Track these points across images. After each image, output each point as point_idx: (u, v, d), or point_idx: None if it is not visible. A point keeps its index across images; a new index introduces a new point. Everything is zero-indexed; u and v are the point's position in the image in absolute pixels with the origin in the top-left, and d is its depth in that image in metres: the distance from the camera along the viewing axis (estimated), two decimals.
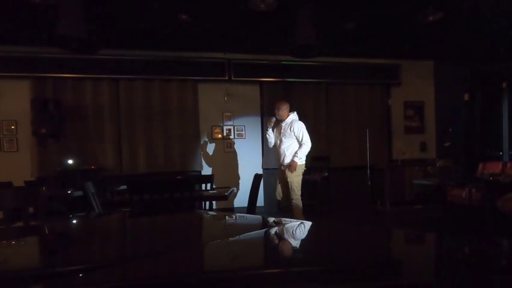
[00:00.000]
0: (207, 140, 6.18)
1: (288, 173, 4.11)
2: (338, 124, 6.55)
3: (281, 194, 4.39)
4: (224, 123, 6.22)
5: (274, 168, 6.17)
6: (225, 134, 6.22)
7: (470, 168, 5.99)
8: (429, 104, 6.97)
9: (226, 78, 6.07)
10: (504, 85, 6.46)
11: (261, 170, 6.24)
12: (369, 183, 6.25)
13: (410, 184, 5.97)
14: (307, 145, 4.09)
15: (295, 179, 4.10)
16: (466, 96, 6.80)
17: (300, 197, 4.15)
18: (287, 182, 4.14)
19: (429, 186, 5.47)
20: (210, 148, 6.17)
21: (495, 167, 5.04)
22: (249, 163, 6.23)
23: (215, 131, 6.20)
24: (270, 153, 6.24)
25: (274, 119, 4.29)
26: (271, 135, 4.36)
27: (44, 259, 0.99)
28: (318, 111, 6.44)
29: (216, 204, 4.22)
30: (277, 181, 4.51)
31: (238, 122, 6.26)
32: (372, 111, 6.68)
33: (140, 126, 5.83)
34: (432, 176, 5.94)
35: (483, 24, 5.12)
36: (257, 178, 3.92)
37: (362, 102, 6.65)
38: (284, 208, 4.38)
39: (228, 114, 6.21)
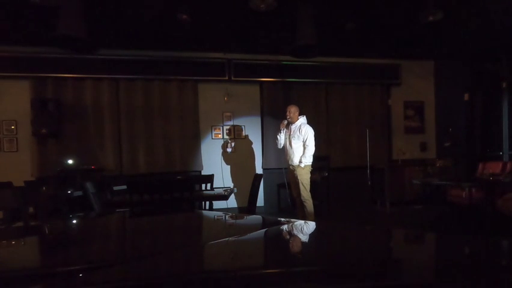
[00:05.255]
0: (207, 140, 6.18)
1: (297, 171, 4.39)
2: (338, 124, 6.55)
3: (293, 191, 4.62)
4: (224, 123, 6.22)
5: (274, 168, 6.19)
6: (225, 134, 6.22)
7: (470, 168, 5.99)
8: (429, 104, 6.98)
9: (226, 78, 6.07)
10: (504, 85, 6.45)
11: (261, 170, 6.24)
12: (369, 183, 6.24)
13: (410, 184, 5.96)
14: (309, 148, 4.36)
15: (305, 176, 4.39)
16: (466, 96, 6.80)
17: (310, 195, 4.44)
18: (297, 180, 4.40)
19: (429, 186, 5.47)
20: (210, 148, 6.17)
21: (495, 167, 5.04)
22: (249, 163, 6.23)
23: (215, 131, 6.20)
24: (270, 153, 6.27)
25: (286, 122, 4.52)
26: (282, 137, 4.58)
27: (44, 259, 0.99)
28: (318, 111, 6.44)
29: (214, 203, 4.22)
30: (286, 180, 4.75)
31: (238, 122, 6.26)
32: (372, 111, 6.68)
33: (140, 126, 5.83)
34: (432, 176, 5.94)
35: (483, 24, 5.12)
36: (257, 178, 3.93)
37: (362, 102, 6.65)
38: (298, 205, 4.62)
39: (228, 114, 6.22)
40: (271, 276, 0.71)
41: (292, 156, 4.42)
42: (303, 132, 4.38)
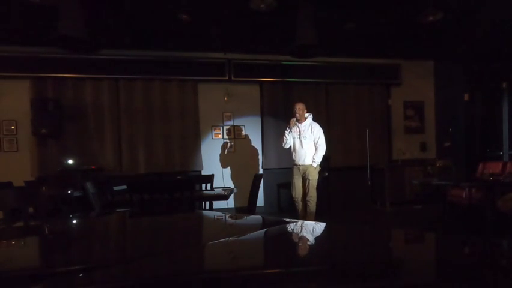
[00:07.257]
0: (207, 140, 6.18)
1: (308, 170, 4.35)
2: (338, 124, 6.55)
3: (299, 192, 4.50)
4: (224, 123, 6.22)
5: (274, 168, 6.20)
6: (225, 134, 6.22)
7: (470, 168, 5.98)
8: (429, 104, 6.97)
9: (226, 78, 6.07)
10: (504, 85, 6.45)
11: (261, 170, 6.24)
12: (369, 183, 6.24)
13: (410, 184, 5.96)
14: (322, 148, 4.34)
15: (315, 176, 4.40)
16: (466, 96, 6.80)
17: (316, 195, 4.43)
18: (307, 180, 4.38)
19: (429, 186, 5.47)
20: (210, 148, 6.17)
21: (495, 167, 5.03)
22: (249, 163, 6.23)
23: (215, 131, 6.20)
24: (270, 153, 6.26)
25: (295, 120, 4.40)
26: (290, 136, 4.46)
27: (44, 259, 0.99)
28: (318, 111, 6.42)
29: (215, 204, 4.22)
30: (293, 180, 4.49)
31: (238, 122, 6.26)
32: (372, 111, 6.67)
33: (140, 126, 5.83)
34: (432, 176, 5.94)
35: (483, 24, 5.12)
36: (257, 178, 3.93)
37: (362, 102, 6.65)
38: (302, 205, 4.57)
39: (228, 114, 6.21)
40: (271, 276, 0.71)
41: (304, 157, 4.33)
42: (315, 132, 4.32)
